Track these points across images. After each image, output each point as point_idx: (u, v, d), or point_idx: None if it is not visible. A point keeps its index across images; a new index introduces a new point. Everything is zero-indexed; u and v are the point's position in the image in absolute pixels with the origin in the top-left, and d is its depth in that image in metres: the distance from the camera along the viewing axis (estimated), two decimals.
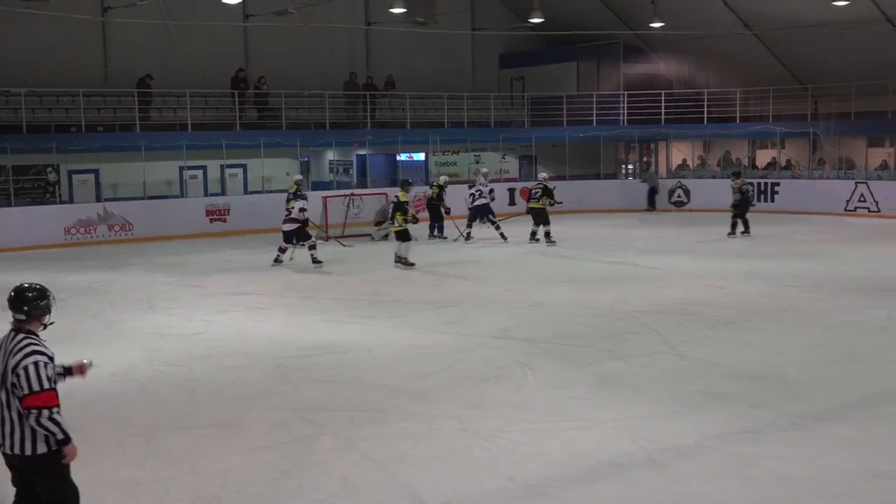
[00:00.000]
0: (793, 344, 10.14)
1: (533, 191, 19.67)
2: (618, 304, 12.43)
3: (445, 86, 27.75)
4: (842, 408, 7.89)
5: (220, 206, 22.41)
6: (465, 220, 20.44)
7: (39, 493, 4.95)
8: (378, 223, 20.87)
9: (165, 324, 11.73)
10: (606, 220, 24.29)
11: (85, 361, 5.25)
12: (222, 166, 23.72)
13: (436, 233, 20.75)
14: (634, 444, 6.90)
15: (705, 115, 27.33)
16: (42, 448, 4.82)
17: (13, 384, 4.77)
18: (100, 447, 6.98)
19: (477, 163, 28.09)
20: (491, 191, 21.03)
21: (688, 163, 29.50)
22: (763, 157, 28.75)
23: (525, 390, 8.48)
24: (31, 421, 4.74)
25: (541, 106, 28.93)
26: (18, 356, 4.78)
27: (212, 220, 22.15)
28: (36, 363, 4.77)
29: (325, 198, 21.13)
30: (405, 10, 22.57)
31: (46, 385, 4.76)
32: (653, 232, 21.60)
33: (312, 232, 17.33)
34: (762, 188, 25.76)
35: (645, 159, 30.29)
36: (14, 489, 5.06)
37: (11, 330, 4.94)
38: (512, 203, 25.77)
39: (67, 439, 4.84)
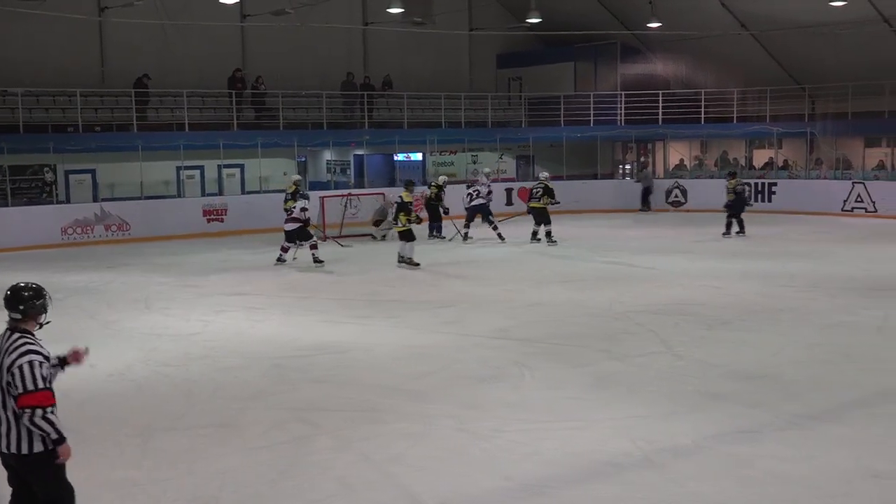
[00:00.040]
0: (789, 344, 10.16)
1: (534, 190, 19.69)
2: (615, 304, 12.44)
3: (443, 86, 27.75)
4: (838, 407, 7.90)
5: (218, 206, 22.39)
6: (463, 220, 20.44)
7: (36, 493, 4.94)
8: (376, 222, 20.88)
9: (162, 324, 11.73)
10: (603, 221, 24.30)
11: (80, 348, 5.20)
12: (219, 166, 23.70)
13: (434, 233, 20.75)
14: (632, 444, 6.91)
15: (702, 116, 27.34)
16: (38, 447, 4.82)
17: (8, 383, 4.77)
18: (96, 447, 6.98)
19: (475, 163, 28.10)
20: (489, 192, 21.02)
21: (685, 163, 29.53)
22: (760, 157, 28.78)
23: (522, 390, 8.49)
24: (26, 420, 4.74)
25: (538, 106, 28.93)
26: (13, 355, 4.78)
27: (209, 220, 22.12)
28: (31, 362, 4.76)
29: (322, 198, 21.11)
30: (402, 10, 22.54)
31: (41, 384, 4.76)
32: (650, 232, 21.61)
33: (311, 232, 17.34)
34: (759, 188, 25.78)
35: (642, 159, 30.31)
36: (10, 489, 5.06)
37: (7, 329, 4.94)
38: (509, 203, 25.77)
39: (62, 439, 4.83)
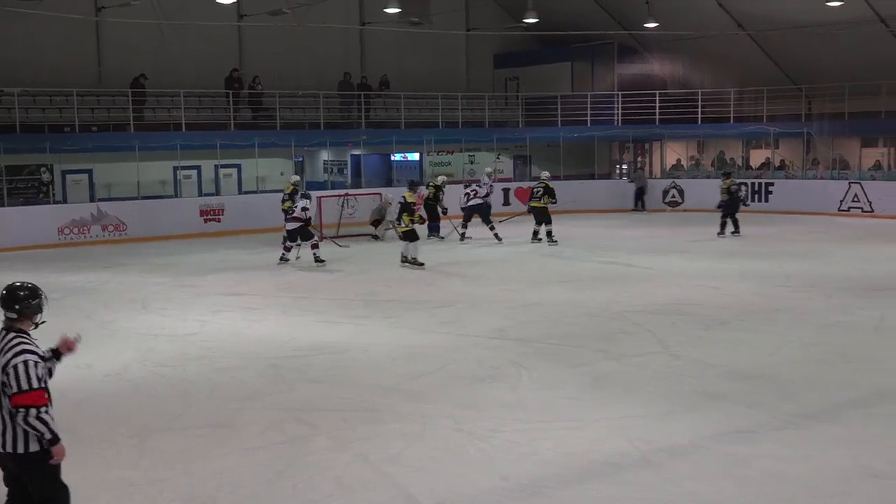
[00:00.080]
0: (786, 344, 10.17)
1: (534, 189, 19.71)
2: (612, 304, 12.45)
3: (440, 86, 27.75)
4: (835, 407, 7.91)
5: (215, 206, 22.38)
6: (461, 219, 20.43)
7: (31, 493, 4.94)
8: (374, 222, 20.87)
9: (159, 324, 11.71)
10: (601, 220, 24.31)
11: (68, 336, 5.15)
12: (216, 166, 23.68)
13: (433, 233, 20.73)
14: (629, 444, 6.91)
15: (699, 116, 27.37)
16: (34, 447, 4.82)
17: (3, 383, 4.77)
18: (93, 447, 6.97)
19: (472, 163, 28.11)
20: (487, 193, 20.98)
21: (682, 163, 29.55)
22: (757, 157, 28.81)
23: (519, 390, 8.49)
24: (19, 420, 4.74)
25: (535, 106, 28.94)
26: (8, 355, 4.78)
27: (206, 221, 22.10)
28: (25, 362, 4.76)
29: (319, 198, 21.11)
30: (399, 10, 22.55)
31: (35, 384, 4.75)
32: (647, 232, 21.63)
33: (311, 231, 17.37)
34: (756, 188, 25.82)
35: (639, 159, 30.32)
36: (6, 488, 5.06)
37: (2, 329, 4.93)
38: (506, 203, 25.76)
39: (55, 439, 4.83)
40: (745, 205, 20.97)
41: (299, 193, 18.23)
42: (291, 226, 16.70)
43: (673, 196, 27.13)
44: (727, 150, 29.11)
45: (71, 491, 5.08)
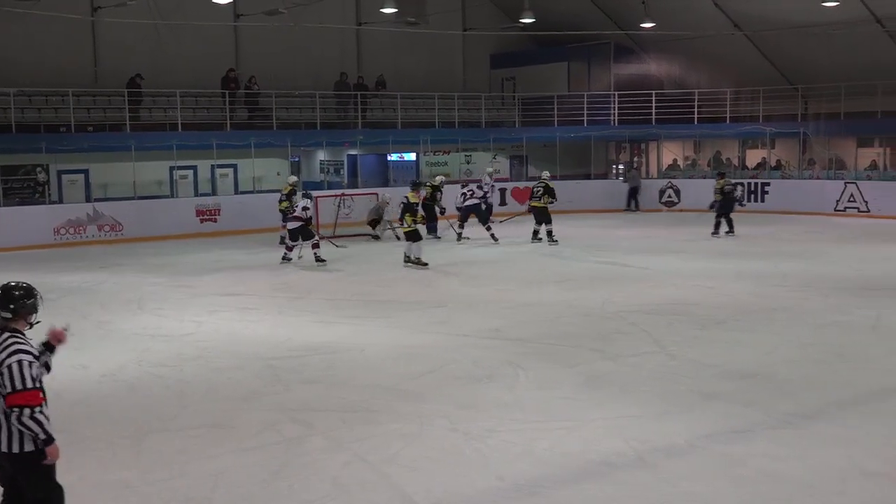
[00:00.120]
0: (783, 343, 10.17)
1: (535, 189, 19.73)
2: (608, 304, 12.45)
3: (436, 86, 27.76)
4: (832, 407, 7.92)
5: (211, 207, 22.36)
6: (457, 219, 20.42)
7: (25, 492, 4.93)
8: (372, 222, 20.87)
9: (155, 324, 11.70)
10: (597, 220, 24.32)
11: (58, 327, 5.12)
12: (213, 166, 23.67)
13: (430, 233, 20.71)
14: (625, 444, 6.91)
15: (696, 116, 27.40)
16: (29, 446, 4.82)
17: None
18: (89, 448, 6.96)
19: (468, 163, 28.11)
20: (485, 194, 20.95)
21: (678, 163, 29.57)
22: (753, 157, 28.84)
23: (516, 390, 8.48)
24: (14, 419, 4.73)
25: (531, 106, 28.95)
26: (3, 355, 4.78)
27: (202, 221, 22.08)
28: (20, 362, 4.76)
29: (315, 198, 21.07)
30: (396, 10, 22.56)
31: (30, 384, 4.75)
32: (643, 232, 21.64)
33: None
34: (752, 188, 25.85)
35: (635, 159, 30.34)
36: (2, 488, 5.05)
37: None
38: (503, 203, 25.76)
39: (50, 439, 4.82)
40: (741, 205, 20.99)
41: (299, 193, 18.24)
42: (292, 225, 16.73)
43: (669, 196, 27.15)
44: (723, 150, 29.14)
45: (67, 492, 5.08)
